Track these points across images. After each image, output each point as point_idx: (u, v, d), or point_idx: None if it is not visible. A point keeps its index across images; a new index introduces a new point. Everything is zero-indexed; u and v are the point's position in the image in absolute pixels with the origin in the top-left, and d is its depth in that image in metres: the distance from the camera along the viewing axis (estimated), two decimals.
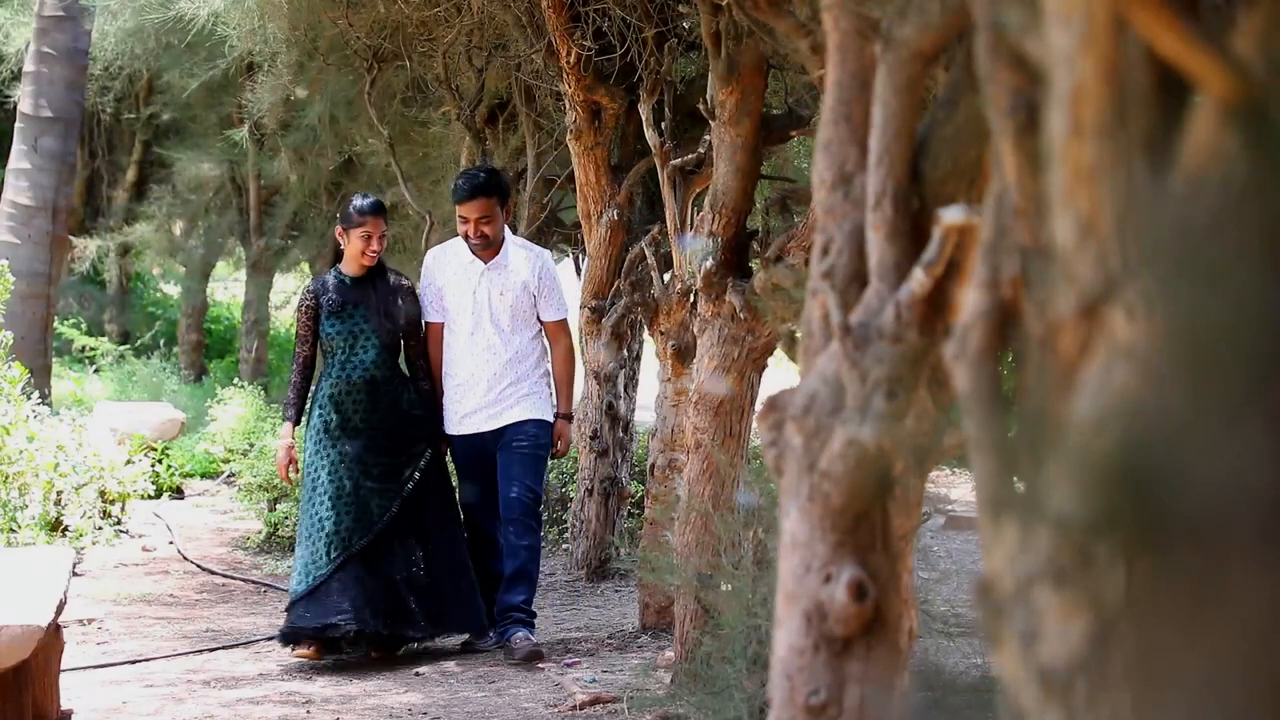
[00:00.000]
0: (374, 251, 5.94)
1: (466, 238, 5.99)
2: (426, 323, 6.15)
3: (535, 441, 6.02)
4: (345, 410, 5.89)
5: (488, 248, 5.97)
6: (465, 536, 6.08)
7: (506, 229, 6.09)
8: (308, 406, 6.05)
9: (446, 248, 6.22)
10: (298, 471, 5.98)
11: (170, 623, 6.71)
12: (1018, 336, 1.40)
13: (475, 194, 5.89)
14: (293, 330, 12.38)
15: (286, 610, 5.93)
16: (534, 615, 6.05)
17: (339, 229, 6.03)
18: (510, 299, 5.99)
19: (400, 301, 6.04)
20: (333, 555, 5.75)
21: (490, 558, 6.06)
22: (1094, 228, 1.21)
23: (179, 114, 15.71)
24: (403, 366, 6.13)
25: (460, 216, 5.98)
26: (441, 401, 6.09)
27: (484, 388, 5.99)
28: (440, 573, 5.91)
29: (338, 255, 6.14)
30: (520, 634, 5.87)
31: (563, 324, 6.20)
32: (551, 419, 6.11)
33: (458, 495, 6.18)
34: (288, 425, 6.03)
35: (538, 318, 6.10)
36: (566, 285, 9.02)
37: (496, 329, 5.99)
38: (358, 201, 6.02)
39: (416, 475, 5.91)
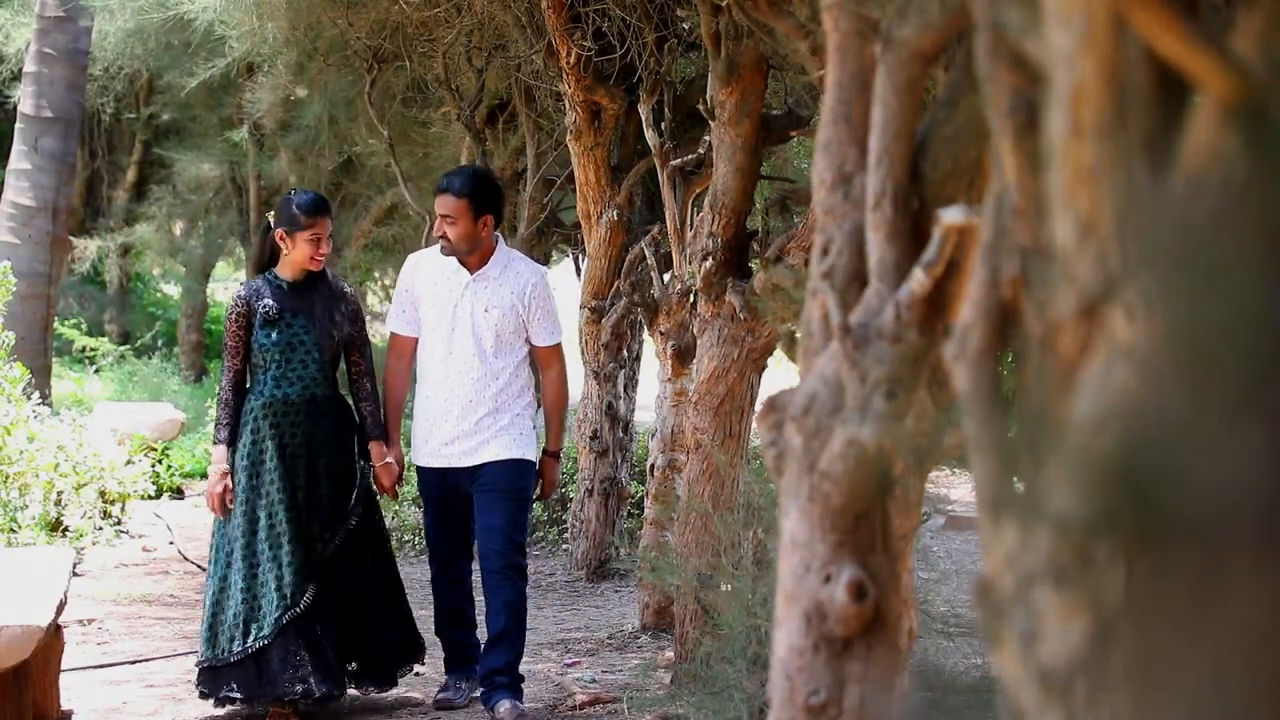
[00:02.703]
0: (322, 255, 5.23)
1: None
2: (391, 333, 5.47)
3: (516, 483, 5.28)
4: (282, 432, 5.17)
5: (454, 253, 5.26)
6: (396, 569, 5.48)
7: (501, 240, 5.39)
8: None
9: (430, 252, 5.48)
10: (233, 503, 5.16)
11: (170, 623, 6.71)
12: (1018, 336, 1.40)
13: (443, 191, 5.25)
14: None
15: (207, 670, 5.15)
16: (521, 679, 5.30)
17: (278, 232, 5.21)
18: (496, 316, 5.24)
19: (344, 308, 5.32)
20: (275, 616, 5.07)
21: (461, 599, 5.45)
22: (1094, 228, 1.21)
23: (179, 114, 15.72)
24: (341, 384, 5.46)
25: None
26: (385, 424, 5.40)
27: (457, 415, 5.25)
28: (377, 613, 5.32)
29: (273, 258, 5.31)
30: (505, 705, 5.15)
31: (557, 349, 5.45)
32: (534, 458, 5.37)
33: (425, 533, 5.53)
34: (221, 449, 5.18)
35: (528, 341, 5.37)
36: (565, 289, 8.99)
37: (478, 349, 5.25)
38: (300, 200, 5.23)
39: (360, 510, 5.28)
